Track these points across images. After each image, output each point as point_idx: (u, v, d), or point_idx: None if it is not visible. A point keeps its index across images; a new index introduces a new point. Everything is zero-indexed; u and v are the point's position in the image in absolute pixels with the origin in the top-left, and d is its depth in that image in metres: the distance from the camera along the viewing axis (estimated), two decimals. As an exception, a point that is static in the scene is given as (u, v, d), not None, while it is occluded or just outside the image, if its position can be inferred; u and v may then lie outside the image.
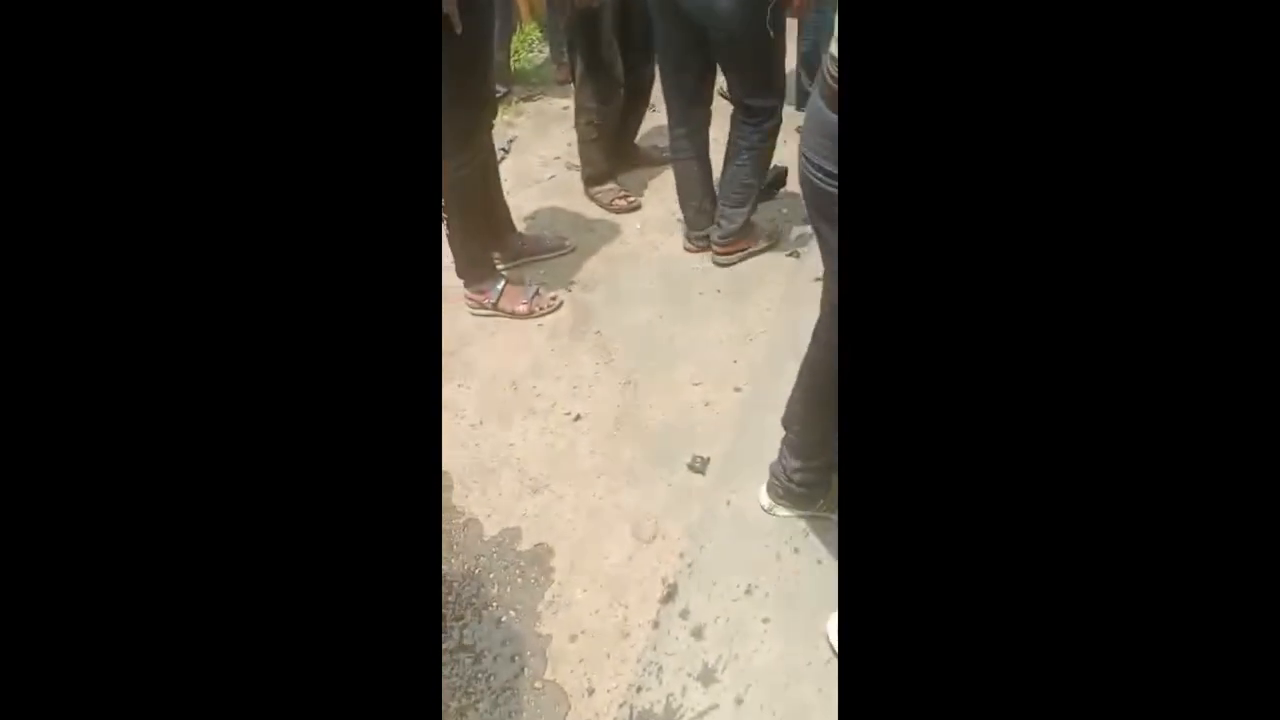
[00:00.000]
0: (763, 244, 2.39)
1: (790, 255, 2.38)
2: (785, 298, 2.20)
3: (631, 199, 2.68)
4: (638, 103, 2.69)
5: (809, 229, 2.48)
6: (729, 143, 2.22)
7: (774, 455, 1.68)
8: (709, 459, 1.75)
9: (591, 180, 2.69)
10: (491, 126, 2.19)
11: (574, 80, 2.51)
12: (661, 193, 2.76)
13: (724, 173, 2.27)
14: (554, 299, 2.28)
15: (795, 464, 1.50)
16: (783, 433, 1.51)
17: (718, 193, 2.31)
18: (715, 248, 2.34)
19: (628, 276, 2.38)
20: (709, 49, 2.02)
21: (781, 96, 2.13)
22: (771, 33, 1.91)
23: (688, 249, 2.46)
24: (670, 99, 2.22)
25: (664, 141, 3.06)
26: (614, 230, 2.60)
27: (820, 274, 2.25)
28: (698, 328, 2.15)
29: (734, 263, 2.36)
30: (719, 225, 2.31)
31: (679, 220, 2.60)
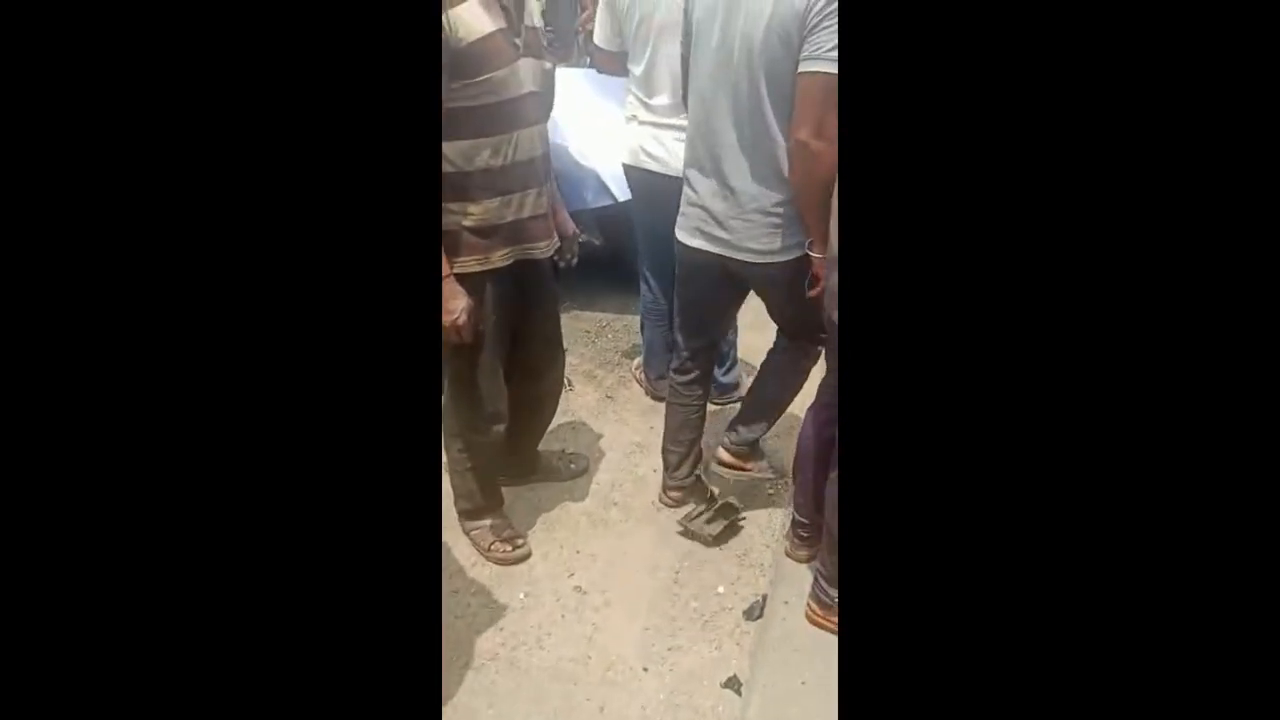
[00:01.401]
0: (768, 475, 2.13)
1: (755, 620, 1.78)
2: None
3: (519, 542, 1.95)
4: (540, 412, 2.01)
5: (775, 573, 1.79)
6: (765, 361, 2.03)
7: None
8: None
9: (465, 514, 1.97)
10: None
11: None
12: (558, 532, 2.04)
13: (752, 388, 2.09)
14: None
15: None
16: None
17: (740, 407, 2.11)
18: (724, 450, 2.07)
19: (493, 713, 1.60)
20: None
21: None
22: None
23: (664, 502, 2.12)
24: (683, 330, 1.97)
25: (578, 443, 2.38)
26: (487, 598, 1.85)
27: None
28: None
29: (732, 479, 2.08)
30: (735, 431, 2.06)
31: (578, 590, 1.88)
